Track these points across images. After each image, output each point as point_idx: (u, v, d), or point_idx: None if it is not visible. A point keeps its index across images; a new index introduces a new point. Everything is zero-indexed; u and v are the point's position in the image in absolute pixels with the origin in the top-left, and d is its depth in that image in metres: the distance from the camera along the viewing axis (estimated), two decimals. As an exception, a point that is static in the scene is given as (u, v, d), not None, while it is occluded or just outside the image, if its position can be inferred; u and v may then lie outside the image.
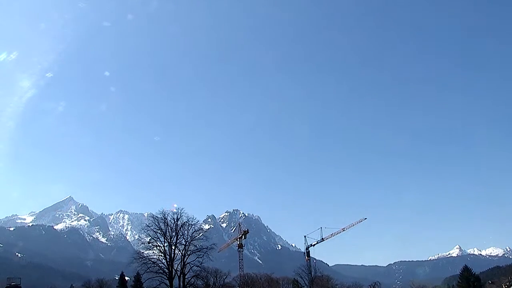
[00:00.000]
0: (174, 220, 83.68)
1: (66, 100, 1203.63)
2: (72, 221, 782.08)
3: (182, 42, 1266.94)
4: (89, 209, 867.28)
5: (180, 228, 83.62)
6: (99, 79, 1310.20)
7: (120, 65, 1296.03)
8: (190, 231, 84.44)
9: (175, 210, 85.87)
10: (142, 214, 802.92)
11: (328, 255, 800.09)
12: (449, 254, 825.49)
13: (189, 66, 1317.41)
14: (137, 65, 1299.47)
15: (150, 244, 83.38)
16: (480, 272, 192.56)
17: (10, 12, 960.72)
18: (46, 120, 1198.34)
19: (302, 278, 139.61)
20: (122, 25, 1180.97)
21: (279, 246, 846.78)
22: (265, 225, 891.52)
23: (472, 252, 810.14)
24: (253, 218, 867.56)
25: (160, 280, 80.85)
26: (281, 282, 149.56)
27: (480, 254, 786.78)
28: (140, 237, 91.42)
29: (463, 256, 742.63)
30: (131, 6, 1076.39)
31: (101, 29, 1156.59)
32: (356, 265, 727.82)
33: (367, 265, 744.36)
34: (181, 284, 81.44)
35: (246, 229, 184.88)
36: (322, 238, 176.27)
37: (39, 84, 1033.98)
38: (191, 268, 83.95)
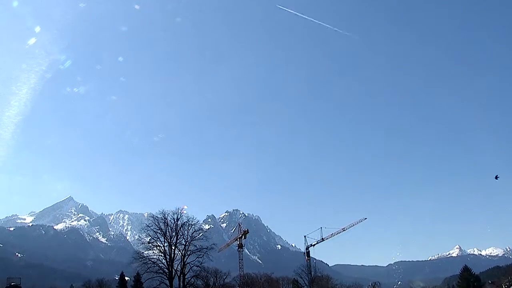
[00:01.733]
0: (174, 220, 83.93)
1: (66, 99, 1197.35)
2: (72, 221, 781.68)
3: (189, 36, 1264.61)
4: (89, 209, 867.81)
5: (180, 228, 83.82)
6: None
7: (129, 59, 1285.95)
8: (190, 231, 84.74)
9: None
10: (142, 214, 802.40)
11: (328, 255, 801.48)
12: (449, 254, 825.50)
13: (193, 65, 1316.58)
14: (142, 61, 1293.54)
15: (150, 244, 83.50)
16: (480, 272, 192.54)
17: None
18: (45, 120, 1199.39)
19: (302, 278, 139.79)
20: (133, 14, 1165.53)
21: (279, 246, 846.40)
22: (265, 225, 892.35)
23: (472, 252, 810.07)
24: (253, 218, 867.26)
25: (160, 280, 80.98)
26: (281, 282, 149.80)
27: (480, 254, 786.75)
28: (140, 237, 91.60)
29: (463, 256, 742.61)
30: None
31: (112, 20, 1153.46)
32: (356, 265, 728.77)
33: (367, 265, 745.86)
34: (181, 284, 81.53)
35: (246, 229, 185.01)
36: (322, 238, 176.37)
37: (41, 82, 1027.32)
38: (191, 268, 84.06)
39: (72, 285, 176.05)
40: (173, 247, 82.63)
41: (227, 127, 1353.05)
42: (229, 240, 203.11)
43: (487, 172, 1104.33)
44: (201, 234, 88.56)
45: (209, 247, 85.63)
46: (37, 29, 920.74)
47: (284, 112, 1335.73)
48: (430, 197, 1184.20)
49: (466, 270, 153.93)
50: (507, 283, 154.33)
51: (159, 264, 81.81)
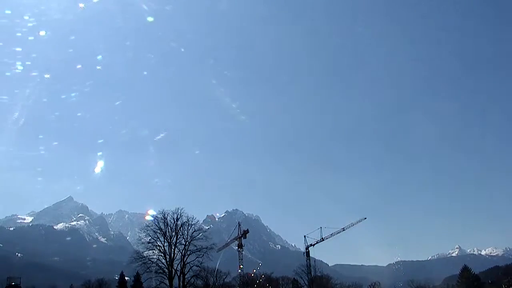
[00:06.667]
0: (174, 220, 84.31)
1: (67, 100, 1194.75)
2: (72, 221, 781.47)
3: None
4: (89, 209, 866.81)
5: (180, 228, 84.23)
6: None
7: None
8: (190, 231, 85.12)
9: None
10: (142, 214, 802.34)
11: (328, 255, 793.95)
12: (449, 254, 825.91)
13: (195, 67, 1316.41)
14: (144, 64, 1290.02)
15: (150, 244, 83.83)
16: (480, 272, 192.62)
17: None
18: (46, 119, 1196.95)
19: (301, 278, 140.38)
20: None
21: (279, 246, 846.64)
22: (265, 225, 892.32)
23: (472, 252, 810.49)
24: (253, 218, 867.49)
25: (160, 280, 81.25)
26: (281, 282, 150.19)
27: (480, 254, 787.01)
28: (140, 237, 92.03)
29: (463, 256, 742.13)
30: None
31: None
32: (356, 265, 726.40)
33: (367, 265, 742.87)
34: (181, 284, 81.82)
35: (246, 229, 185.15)
36: (322, 238, 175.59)
37: (41, 83, 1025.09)
38: (191, 268, 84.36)
39: (72, 285, 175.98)
40: (173, 247, 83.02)
41: (226, 126, 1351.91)
42: (229, 240, 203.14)
43: (487, 172, 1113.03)
44: (200, 234, 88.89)
45: (209, 247, 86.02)
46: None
47: (283, 111, 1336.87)
48: (430, 197, 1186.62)
49: (466, 270, 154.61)
50: (506, 283, 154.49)
51: (159, 264, 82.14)
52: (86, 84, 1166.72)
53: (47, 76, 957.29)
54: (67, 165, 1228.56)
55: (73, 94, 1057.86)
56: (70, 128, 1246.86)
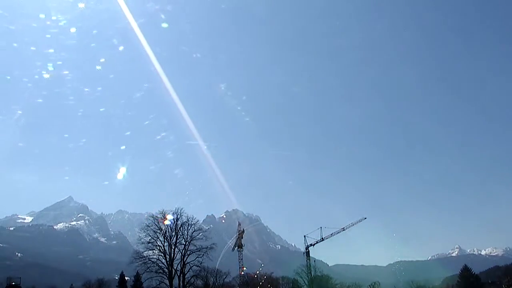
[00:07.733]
0: (174, 220, 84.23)
1: (67, 99, 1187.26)
2: (72, 221, 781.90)
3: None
4: (89, 209, 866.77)
5: (180, 228, 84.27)
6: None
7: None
8: (190, 231, 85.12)
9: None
10: (142, 214, 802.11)
11: (328, 255, 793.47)
12: (449, 254, 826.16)
13: (200, 68, 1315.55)
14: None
15: (150, 244, 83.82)
16: (480, 272, 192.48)
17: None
18: (46, 119, 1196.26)
19: (302, 278, 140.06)
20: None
21: (279, 246, 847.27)
22: (265, 225, 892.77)
23: (471, 252, 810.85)
24: (253, 218, 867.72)
25: (160, 279, 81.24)
26: (281, 282, 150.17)
27: (480, 254, 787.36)
28: (140, 237, 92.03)
29: (463, 256, 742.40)
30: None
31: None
32: (356, 265, 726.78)
33: (367, 265, 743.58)
34: (181, 283, 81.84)
35: (242, 229, 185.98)
36: (322, 238, 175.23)
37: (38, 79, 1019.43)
38: (191, 268, 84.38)
39: (72, 285, 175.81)
40: (173, 247, 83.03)
41: (225, 126, 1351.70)
42: (230, 241, 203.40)
43: (487, 172, 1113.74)
44: (200, 234, 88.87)
45: (209, 247, 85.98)
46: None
47: (283, 110, 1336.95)
48: (430, 197, 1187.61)
49: (466, 269, 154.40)
50: (506, 283, 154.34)
51: (159, 264, 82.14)
52: (109, 77, 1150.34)
53: (46, 76, 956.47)
54: (67, 165, 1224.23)
55: (99, 89, 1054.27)
56: (94, 124, 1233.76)
